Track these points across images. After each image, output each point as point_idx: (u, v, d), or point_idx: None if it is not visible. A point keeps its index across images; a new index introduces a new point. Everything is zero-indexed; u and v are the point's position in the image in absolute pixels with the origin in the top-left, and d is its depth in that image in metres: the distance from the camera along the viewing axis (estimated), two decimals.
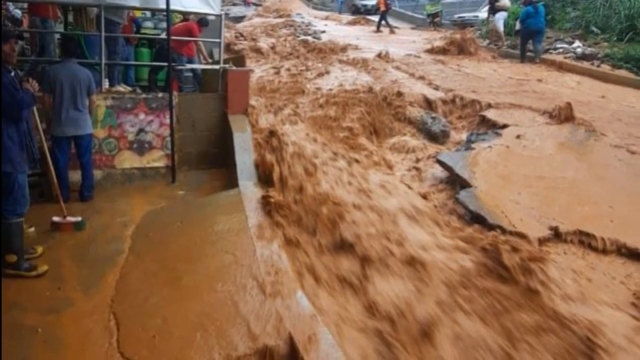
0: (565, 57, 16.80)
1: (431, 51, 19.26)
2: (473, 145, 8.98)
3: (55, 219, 6.74)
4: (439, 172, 8.68)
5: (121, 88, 10.14)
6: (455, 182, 8.09)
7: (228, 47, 17.79)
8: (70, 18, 11.11)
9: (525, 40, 17.68)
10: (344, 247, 6.02)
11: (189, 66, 11.91)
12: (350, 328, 4.75)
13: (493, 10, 21.15)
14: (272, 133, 8.43)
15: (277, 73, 14.86)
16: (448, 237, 6.37)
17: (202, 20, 12.18)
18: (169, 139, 8.80)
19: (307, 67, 15.36)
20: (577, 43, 17.60)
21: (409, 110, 11.52)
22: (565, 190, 7.53)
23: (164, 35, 11.26)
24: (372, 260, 5.69)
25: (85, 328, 4.73)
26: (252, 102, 10.08)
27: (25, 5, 11.69)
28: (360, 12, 36.64)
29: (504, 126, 9.91)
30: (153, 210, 7.46)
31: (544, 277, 5.31)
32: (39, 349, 4.46)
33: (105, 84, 9.41)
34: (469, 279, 5.40)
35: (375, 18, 29.17)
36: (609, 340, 4.58)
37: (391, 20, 28.15)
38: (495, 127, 10.02)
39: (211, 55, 14.02)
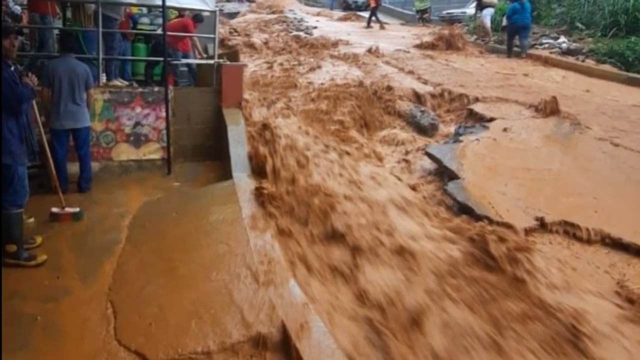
0: (551, 52, 16.85)
1: (420, 46, 19.17)
2: (461, 138, 8.97)
3: (54, 209, 6.73)
4: (428, 164, 8.67)
5: (118, 82, 10.08)
6: (443, 173, 8.09)
7: (222, 43, 17.72)
8: (69, 14, 11.03)
9: (511, 35, 17.68)
10: (335, 237, 6.00)
11: (184, 61, 11.89)
12: (342, 316, 4.74)
13: (480, 6, 21.12)
14: (265, 126, 8.41)
15: (270, 68, 14.77)
16: (437, 227, 6.37)
17: (197, 17, 12.17)
18: (164, 131, 8.78)
19: (299, 62, 15.29)
20: (562, 38, 17.64)
21: (398, 104, 11.50)
22: (550, 182, 7.55)
23: (160, 31, 11.21)
24: (363, 250, 5.69)
25: (83, 316, 4.73)
26: (246, 96, 10.05)
27: (25, 1, 11.62)
28: (351, 9, 36.51)
29: (491, 119, 9.91)
30: (149, 202, 7.45)
31: (530, 266, 5.33)
32: (38, 337, 4.46)
33: (103, 78, 9.38)
34: (457, 268, 5.41)
35: (366, 14, 29.07)
36: (594, 327, 4.60)
37: (381, 17, 28.10)
38: (482, 121, 10.02)
39: (206, 50, 13.96)
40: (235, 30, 22.17)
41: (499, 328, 4.61)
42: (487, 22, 20.37)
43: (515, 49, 17.67)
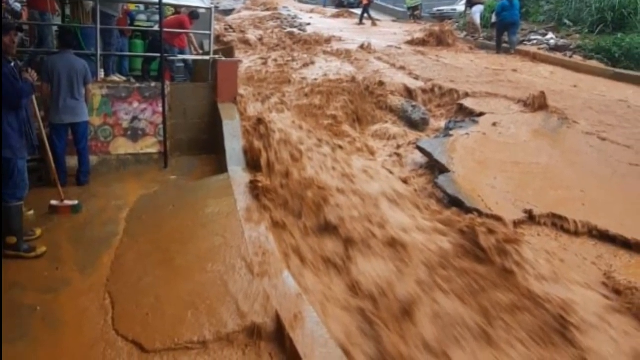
0: (539, 49, 16.87)
1: (411, 43, 19.18)
2: (451, 133, 8.99)
3: (53, 202, 6.70)
4: (419, 157, 8.68)
5: (116, 78, 10.05)
6: (434, 167, 8.09)
7: (218, 39, 17.69)
8: (68, 11, 11.01)
9: (501, 32, 17.72)
10: (328, 229, 6.00)
11: (180, 57, 11.83)
12: (335, 306, 4.74)
13: (470, 3, 21.20)
14: (260, 121, 8.39)
15: (265, 63, 14.77)
16: (427, 219, 6.37)
17: (193, 13, 12.10)
18: (161, 126, 8.75)
19: (293, 58, 15.29)
20: (550, 35, 17.65)
21: (390, 99, 11.51)
22: (539, 175, 7.56)
23: (156, 28, 11.17)
24: (355, 242, 5.68)
25: (82, 306, 4.72)
26: (241, 91, 10.02)
27: None
28: (343, 6, 36.53)
29: (481, 114, 9.94)
30: (146, 194, 7.42)
31: (519, 258, 5.33)
32: (38, 327, 4.44)
33: (101, 74, 9.35)
34: (447, 259, 5.41)
35: (358, 11, 29.14)
36: (581, 318, 4.61)
37: (373, 13, 28.12)
38: (472, 115, 10.05)
39: (202, 46, 13.91)
40: (231, 27, 22.16)
41: (488, 318, 4.61)
42: (477, 19, 20.44)
43: (505, 45, 17.72)
